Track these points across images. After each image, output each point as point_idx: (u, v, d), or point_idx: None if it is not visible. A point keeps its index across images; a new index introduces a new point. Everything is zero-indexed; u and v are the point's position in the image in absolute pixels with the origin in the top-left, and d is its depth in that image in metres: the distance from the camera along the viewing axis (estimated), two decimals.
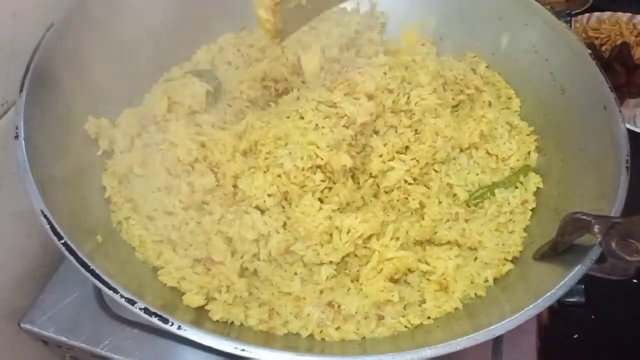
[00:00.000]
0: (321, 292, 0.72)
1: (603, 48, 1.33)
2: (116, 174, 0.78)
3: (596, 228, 0.56)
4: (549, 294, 0.59)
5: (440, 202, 0.79)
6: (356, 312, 0.69)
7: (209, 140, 0.80)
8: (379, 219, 0.73)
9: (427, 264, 0.74)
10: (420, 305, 0.71)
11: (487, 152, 0.86)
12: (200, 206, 0.77)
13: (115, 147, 0.80)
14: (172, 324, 0.56)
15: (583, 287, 0.76)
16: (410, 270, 0.75)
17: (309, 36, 0.94)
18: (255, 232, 0.72)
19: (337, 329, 0.68)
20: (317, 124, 0.81)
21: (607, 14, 1.39)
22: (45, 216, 0.60)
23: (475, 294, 0.72)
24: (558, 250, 0.64)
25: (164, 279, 0.70)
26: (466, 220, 0.79)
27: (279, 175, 0.76)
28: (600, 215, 0.58)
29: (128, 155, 0.80)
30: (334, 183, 0.78)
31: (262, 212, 0.75)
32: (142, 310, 0.57)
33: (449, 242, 0.77)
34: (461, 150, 0.85)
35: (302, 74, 0.89)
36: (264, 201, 0.75)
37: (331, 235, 0.73)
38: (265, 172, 0.77)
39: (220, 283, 0.69)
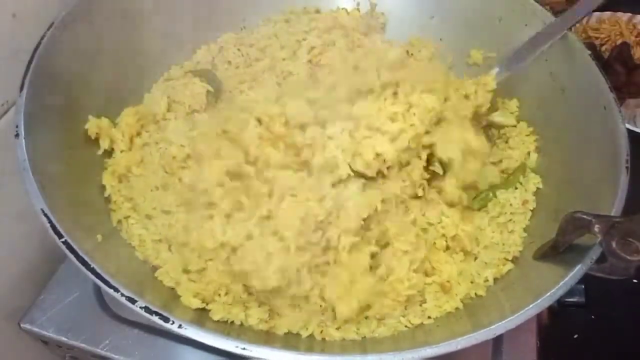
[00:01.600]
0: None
1: (603, 48, 1.33)
2: (116, 173, 0.78)
3: (596, 227, 0.56)
4: (549, 293, 0.59)
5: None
6: None
7: None
8: None
9: (432, 269, 0.74)
10: (420, 305, 0.71)
11: None
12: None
13: (115, 147, 0.80)
14: (173, 322, 0.56)
15: (583, 287, 0.76)
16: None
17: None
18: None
19: (338, 328, 0.68)
20: None
21: (607, 14, 1.39)
22: (45, 215, 0.60)
23: (476, 293, 0.72)
24: (558, 250, 0.64)
25: (162, 278, 0.70)
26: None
27: None
28: (601, 215, 0.58)
29: (127, 155, 0.80)
30: None
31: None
32: (143, 309, 0.56)
33: (449, 248, 0.76)
34: None
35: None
36: None
37: None
38: None
39: (216, 289, 0.69)
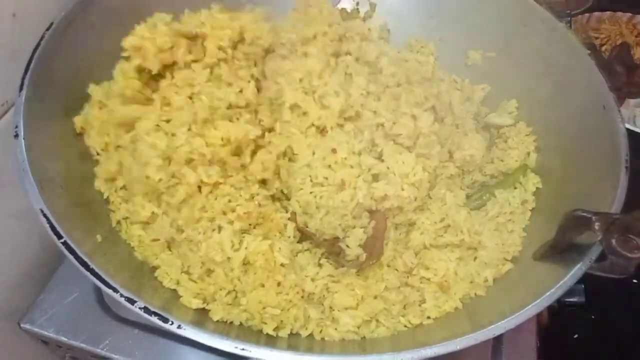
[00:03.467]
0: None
1: (603, 48, 1.33)
2: (103, 179, 0.75)
3: (597, 225, 0.56)
4: (548, 293, 0.59)
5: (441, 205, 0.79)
6: None
7: None
8: None
9: (427, 268, 0.74)
10: (420, 305, 0.71)
11: None
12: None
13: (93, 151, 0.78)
14: (172, 323, 0.56)
15: (583, 287, 0.76)
16: (410, 273, 0.75)
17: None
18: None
19: (337, 328, 0.68)
20: None
21: (607, 14, 1.40)
22: (44, 215, 0.60)
23: (475, 293, 0.72)
24: (558, 249, 0.64)
25: (162, 279, 0.70)
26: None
27: None
28: (601, 212, 0.58)
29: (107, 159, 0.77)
30: None
31: None
32: (142, 310, 0.57)
33: (447, 245, 0.77)
34: None
35: None
36: None
37: None
38: None
39: (216, 290, 0.69)
